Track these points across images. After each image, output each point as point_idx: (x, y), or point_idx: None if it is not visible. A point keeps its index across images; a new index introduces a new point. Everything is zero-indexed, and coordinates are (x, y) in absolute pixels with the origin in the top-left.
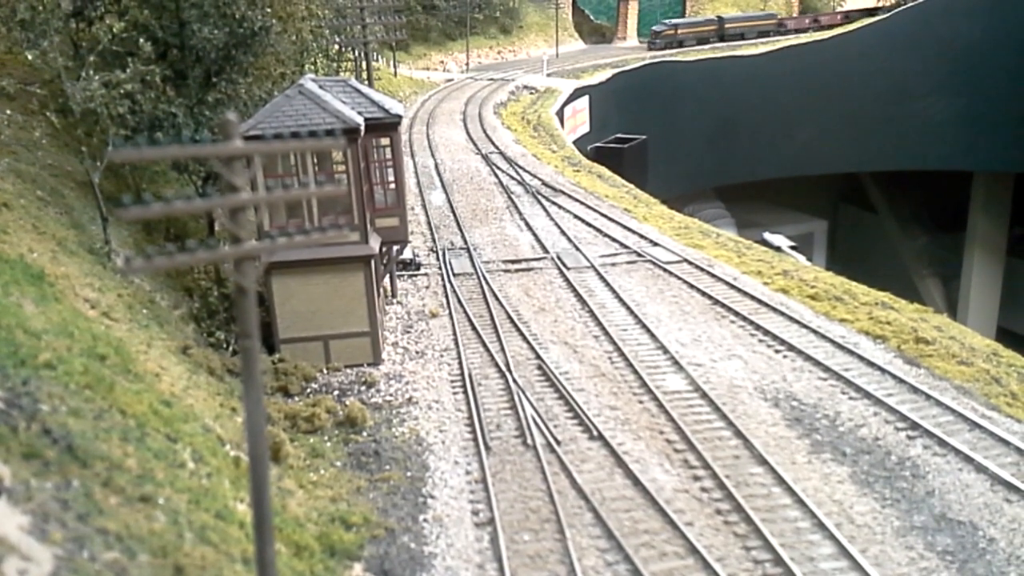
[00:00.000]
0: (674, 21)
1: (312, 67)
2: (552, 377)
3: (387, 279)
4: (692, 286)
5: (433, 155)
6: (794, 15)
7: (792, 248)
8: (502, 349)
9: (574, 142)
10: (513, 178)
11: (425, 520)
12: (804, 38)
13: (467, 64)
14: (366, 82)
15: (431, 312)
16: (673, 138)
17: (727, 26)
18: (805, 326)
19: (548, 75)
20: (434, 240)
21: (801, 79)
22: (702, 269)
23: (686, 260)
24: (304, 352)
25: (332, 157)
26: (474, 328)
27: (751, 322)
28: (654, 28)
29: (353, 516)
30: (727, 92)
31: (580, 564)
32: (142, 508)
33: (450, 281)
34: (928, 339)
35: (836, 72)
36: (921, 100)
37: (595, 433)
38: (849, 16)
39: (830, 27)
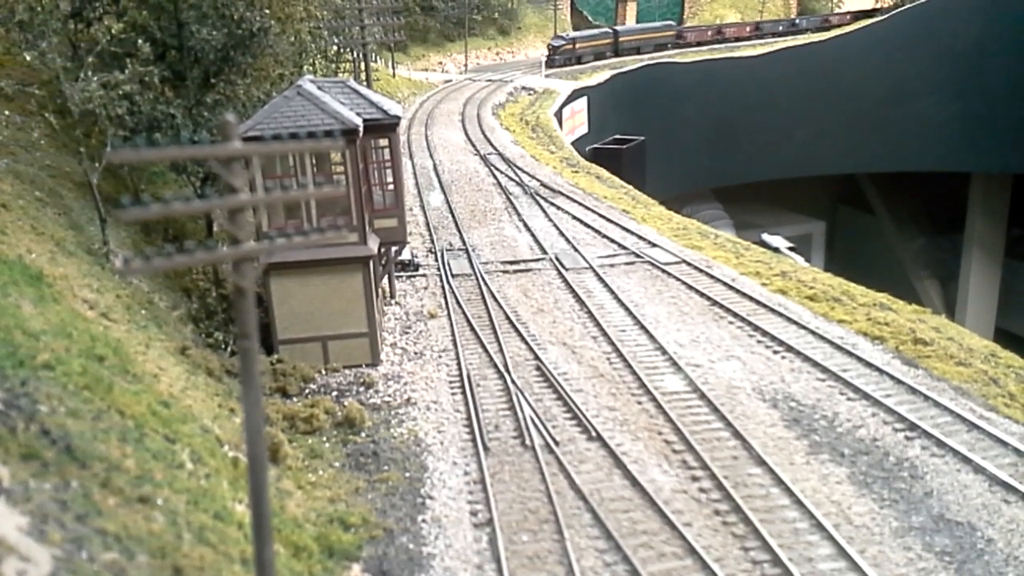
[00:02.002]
0: (572, 34)
1: (311, 68)
2: (551, 378)
3: (386, 280)
4: (690, 287)
5: (432, 156)
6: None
7: (790, 249)
8: (500, 350)
9: (572, 143)
10: (511, 179)
11: (424, 521)
12: (802, 39)
13: (465, 65)
14: (364, 83)
15: (429, 313)
16: (671, 139)
17: (622, 39)
18: (803, 327)
19: (546, 76)
20: (433, 241)
21: (799, 80)
22: (700, 270)
23: (684, 261)
24: (302, 353)
25: (331, 158)
26: (473, 329)
27: (749, 323)
28: (552, 43)
29: (352, 517)
30: (725, 93)
31: (579, 565)
32: (141, 509)
33: (448, 282)
34: (926, 340)
35: (834, 73)
36: (919, 101)
37: (593, 434)
38: (760, 27)
39: (736, 40)
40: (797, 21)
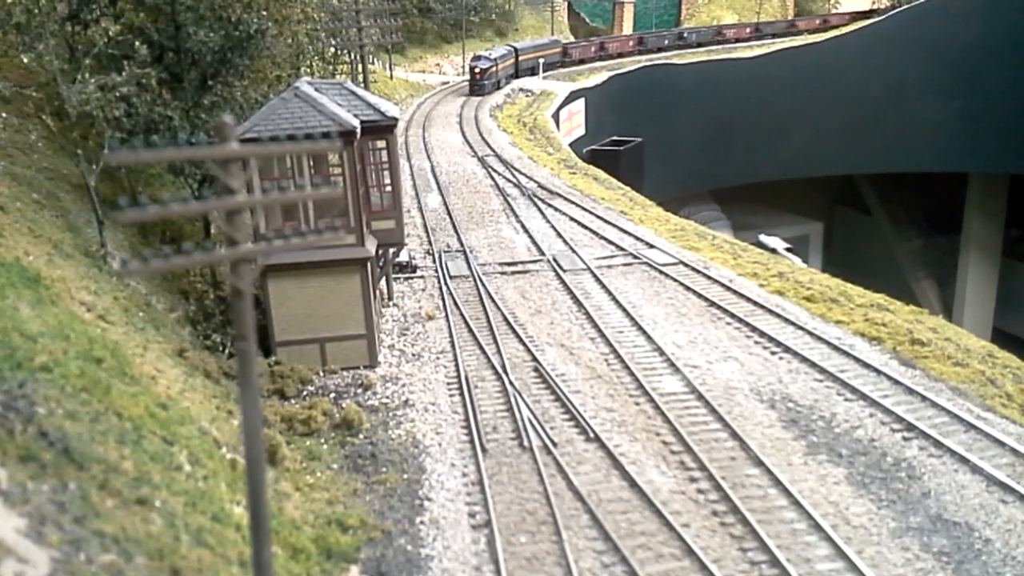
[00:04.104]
0: (493, 55)
1: (308, 70)
2: (548, 379)
3: (383, 281)
4: (688, 288)
5: (429, 158)
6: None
7: (788, 250)
8: (498, 351)
9: (570, 145)
10: (509, 181)
11: (422, 522)
12: (800, 40)
13: (463, 67)
14: (362, 85)
15: (427, 314)
16: (669, 140)
17: (521, 59)
18: (801, 328)
19: (544, 78)
20: (430, 243)
21: (797, 81)
22: (698, 271)
23: (682, 262)
24: (300, 355)
25: (328, 160)
26: (470, 330)
27: (747, 324)
28: (478, 65)
29: (350, 518)
30: (723, 94)
31: (577, 566)
32: (139, 511)
33: (446, 283)
34: (924, 340)
35: (832, 74)
36: (916, 102)
37: (591, 435)
38: (644, 40)
39: (619, 56)
40: (685, 34)
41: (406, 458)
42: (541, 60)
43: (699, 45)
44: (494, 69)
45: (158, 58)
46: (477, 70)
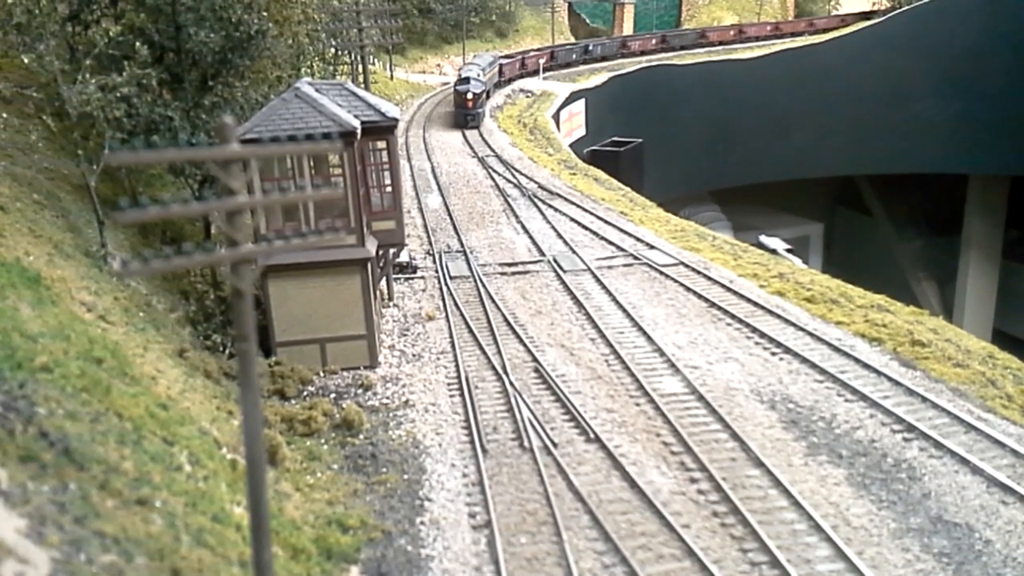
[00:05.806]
0: (482, 76)
1: (308, 70)
2: (549, 380)
3: (384, 282)
4: (688, 289)
5: (429, 158)
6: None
7: (788, 251)
8: (499, 352)
9: (570, 145)
10: (509, 181)
11: (422, 523)
12: (800, 41)
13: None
14: (362, 85)
15: (428, 315)
16: (669, 141)
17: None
18: (801, 328)
19: (544, 78)
20: (431, 243)
21: (797, 82)
22: (698, 272)
23: (682, 263)
24: (301, 355)
25: (328, 160)
26: (471, 331)
27: (747, 325)
28: (469, 89)
29: (350, 519)
30: (723, 95)
31: (577, 567)
32: (139, 511)
33: (447, 284)
34: (924, 342)
35: (832, 75)
36: (917, 103)
37: (592, 435)
38: (555, 55)
39: (534, 73)
40: (590, 47)
41: (406, 458)
42: (491, 81)
43: (604, 59)
44: (485, 94)
45: (159, 59)
46: (469, 96)
